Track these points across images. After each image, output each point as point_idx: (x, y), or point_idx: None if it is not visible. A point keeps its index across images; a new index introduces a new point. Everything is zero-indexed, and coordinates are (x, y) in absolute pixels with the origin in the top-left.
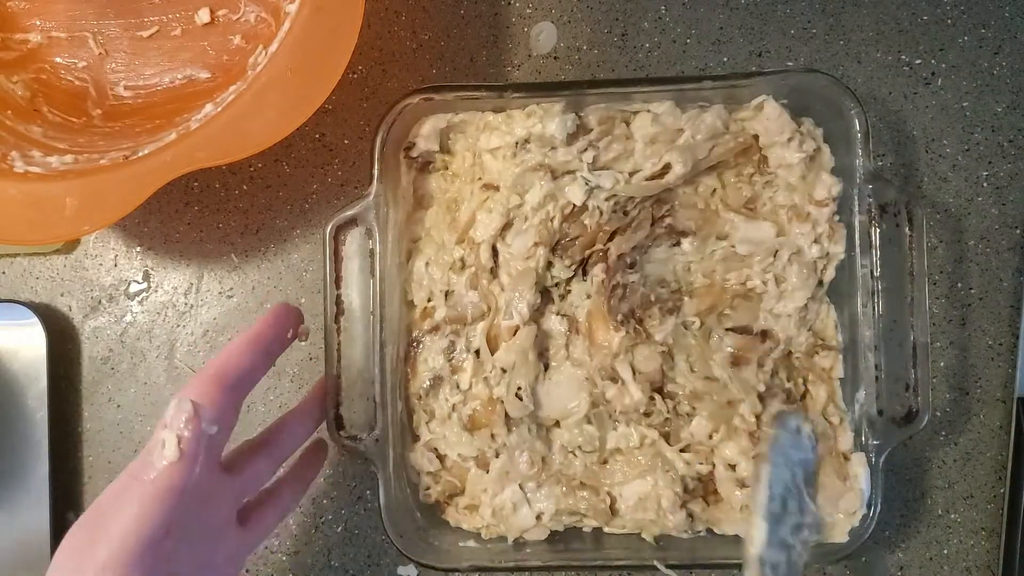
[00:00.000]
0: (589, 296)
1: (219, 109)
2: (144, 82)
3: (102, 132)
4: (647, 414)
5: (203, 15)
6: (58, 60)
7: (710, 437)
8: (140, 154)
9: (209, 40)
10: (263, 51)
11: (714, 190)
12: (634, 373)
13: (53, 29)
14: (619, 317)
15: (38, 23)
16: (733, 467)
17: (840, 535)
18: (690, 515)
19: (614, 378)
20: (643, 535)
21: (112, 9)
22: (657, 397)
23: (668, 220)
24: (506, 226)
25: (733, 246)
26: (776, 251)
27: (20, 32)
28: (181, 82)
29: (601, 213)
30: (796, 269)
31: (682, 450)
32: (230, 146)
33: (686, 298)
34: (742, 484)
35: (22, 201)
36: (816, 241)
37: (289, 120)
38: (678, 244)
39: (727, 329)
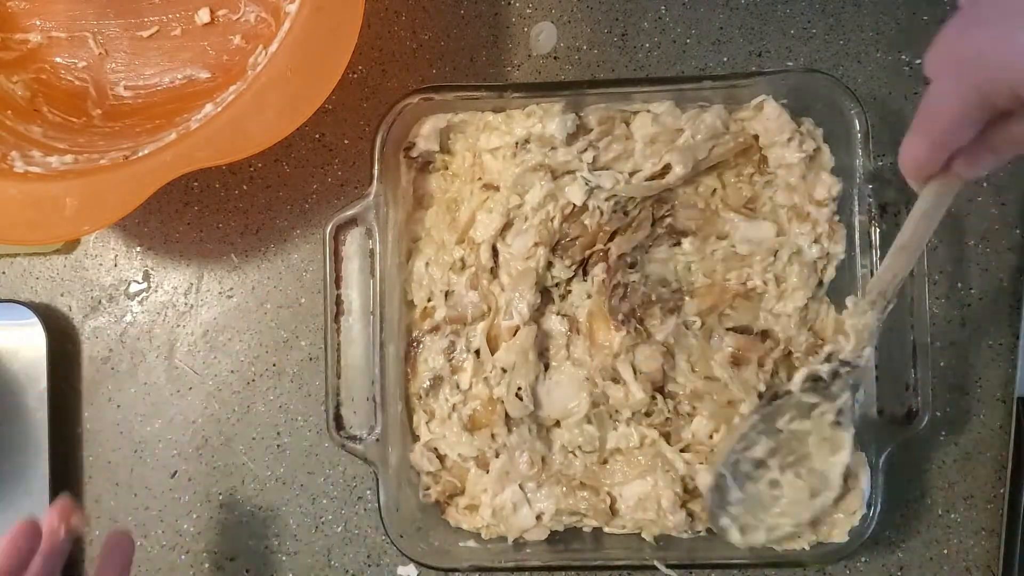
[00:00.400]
0: (590, 296)
1: (219, 109)
2: (144, 82)
3: (102, 132)
4: (647, 414)
5: (203, 15)
6: (58, 60)
7: (710, 437)
8: (140, 154)
9: (209, 40)
10: (263, 51)
11: (714, 190)
12: (635, 373)
13: (53, 29)
14: (620, 317)
15: (38, 23)
16: None
17: (840, 535)
18: (690, 515)
19: (615, 378)
20: (643, 535)
21: (112, 9)
22: (658, 397)
23: (668, 220)
24: (506, 226)
25: (733, 246)
26: (776, 251)
27: (20, 32)
28: (181, 82)
29: (601, 213)
30: (796, 269)
31: (682, 450)
32: (230, 146)
33: (687, 298)
34: None
35: (22, 201)
36: (816, 241)
37: (289, 120)
38: (678, 244)
39: (727, 329)
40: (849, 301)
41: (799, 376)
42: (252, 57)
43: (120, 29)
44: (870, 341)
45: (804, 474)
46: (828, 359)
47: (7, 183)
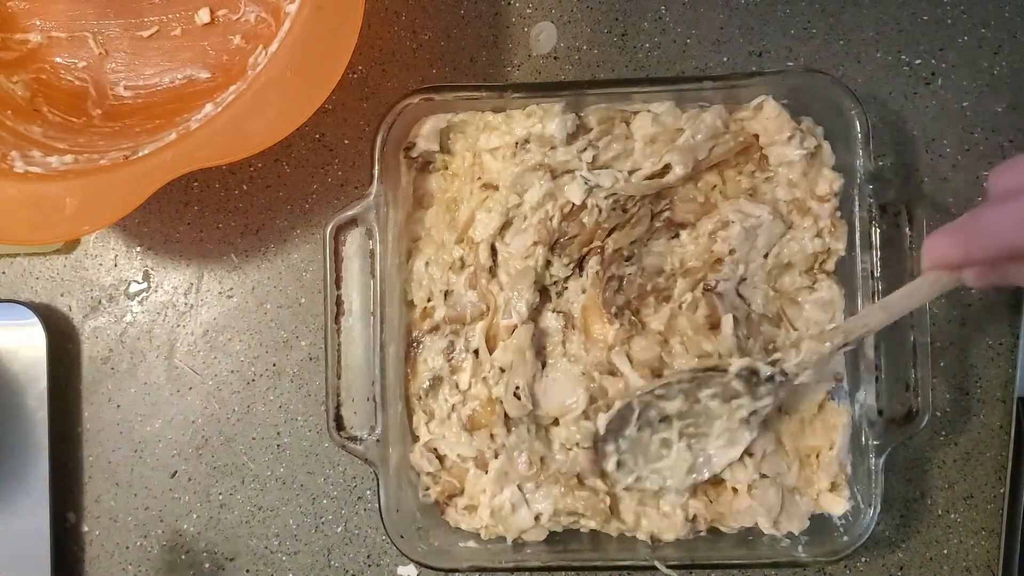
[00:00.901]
0: (584, 291)
1: (219, 109)
2: (144, 82)
3: (102, 132)
4: None
5: (203, 15)
6: (58, 60)
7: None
8: (140, 154)
9: (209, 40)
10: (263, 51)
11: (714, 186)
12: (632, 363)
13: (53, 29)
14: (613, 310)
15: (38, 23)
16: None
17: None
18: (692, 517)
19: (611, 371)
20: (640, 535)
21: (112, 9)
22: None
23: (667, 214)
24: (505, 225)
25: (728, 219)
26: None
27: (20, 32)
28: (181, 82)
29: (600, 211)
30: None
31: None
32: (230, 146)
33: (679, 279)
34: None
35: (22, 201)
36: (818, 235)
37: (289, 120)
38: (676, 236)
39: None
40: (815, 327)
41: (739, 362)
42: (252, 57)
43: (120, 29)
44: (816, 366)
45: (696, 450)
46: (772, 363)
47: (7, 183)
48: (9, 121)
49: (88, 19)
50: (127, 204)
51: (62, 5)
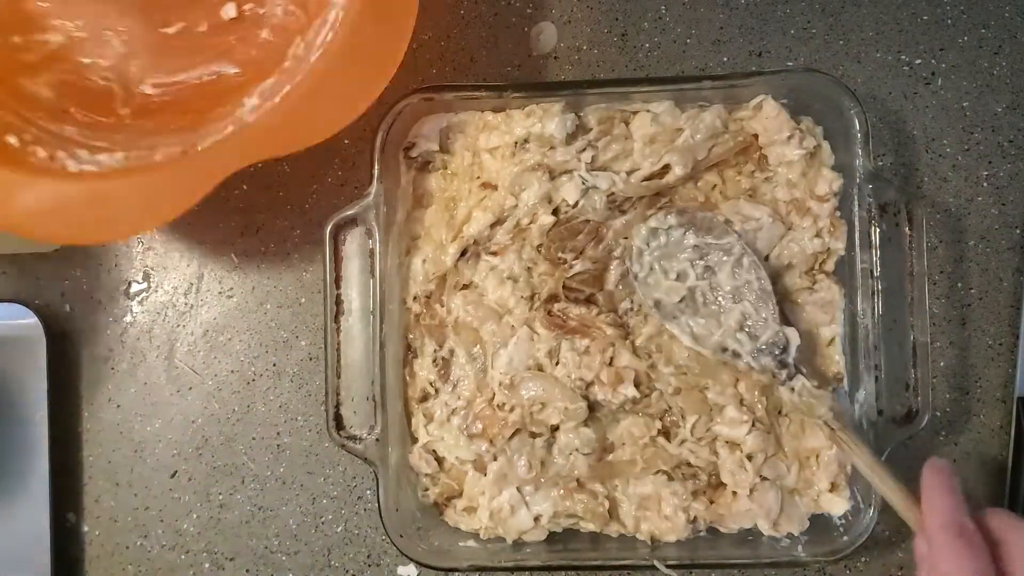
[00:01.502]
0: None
1: (276, 100)
2: (171, 79)
3: (136, 130)
4: (637, 402)
5: (229, 10)
6: (82, 60)
7: (708, 430)
8: (199, 148)
9: (236, 35)
10: (300, 42)
11: (714, 185)
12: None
13: (75, 29)
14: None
15: (60, 23)
16: (738, 446)
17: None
18: (693, 518)
19: (601, 380)
20: (639, 535)
21: (136, 6)
22: (652, 393)
23: None
24: (498, 223)
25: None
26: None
27: (42, 33)
28: (210, 78)
29: (594, 211)
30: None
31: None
32: (291, 137)
33: None
34: (743, 464)
35: (81, 200)
36: (818, 235)
37: (351, 107)
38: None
39: None
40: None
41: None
42: (291, 49)
43: (144, 26)
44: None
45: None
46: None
47: (64, 183)
48: (42, 122)
49: (111, 17)
50: (187, 199)
51: (84, 4)
